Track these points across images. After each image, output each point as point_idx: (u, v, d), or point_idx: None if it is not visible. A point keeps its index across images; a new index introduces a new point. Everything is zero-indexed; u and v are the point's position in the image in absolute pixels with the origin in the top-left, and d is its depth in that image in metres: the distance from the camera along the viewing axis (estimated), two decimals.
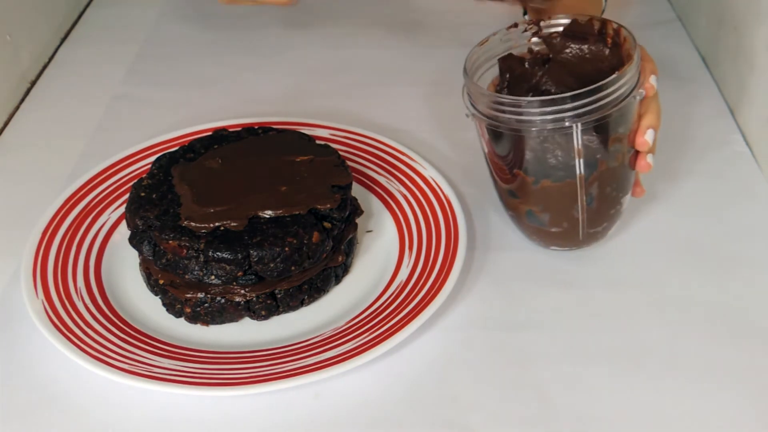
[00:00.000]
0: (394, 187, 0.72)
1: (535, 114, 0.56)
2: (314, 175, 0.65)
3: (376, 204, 0.72)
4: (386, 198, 0.71)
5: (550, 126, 0.56)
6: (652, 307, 0.63)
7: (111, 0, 1.06)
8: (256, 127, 0.71)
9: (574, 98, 0.55)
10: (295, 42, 0.97)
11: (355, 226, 0.67)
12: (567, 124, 0.56)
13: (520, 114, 0.57)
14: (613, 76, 0.56)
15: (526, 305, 0.63)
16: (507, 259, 0.67)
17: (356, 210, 0.67)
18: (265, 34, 0.98)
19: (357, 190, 0.71)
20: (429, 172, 0.72)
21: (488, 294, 0.64)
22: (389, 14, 1.02)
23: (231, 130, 0.71)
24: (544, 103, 0.56)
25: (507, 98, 0.57)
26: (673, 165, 0.68)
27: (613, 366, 0.58)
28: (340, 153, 0.69)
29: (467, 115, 0.61)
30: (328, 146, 0.69)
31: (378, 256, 0.68)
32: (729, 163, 0.76)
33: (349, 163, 0.71)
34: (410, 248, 0.66)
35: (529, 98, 0.55)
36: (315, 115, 0.80)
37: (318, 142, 0.69)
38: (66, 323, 0.59)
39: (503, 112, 0.57)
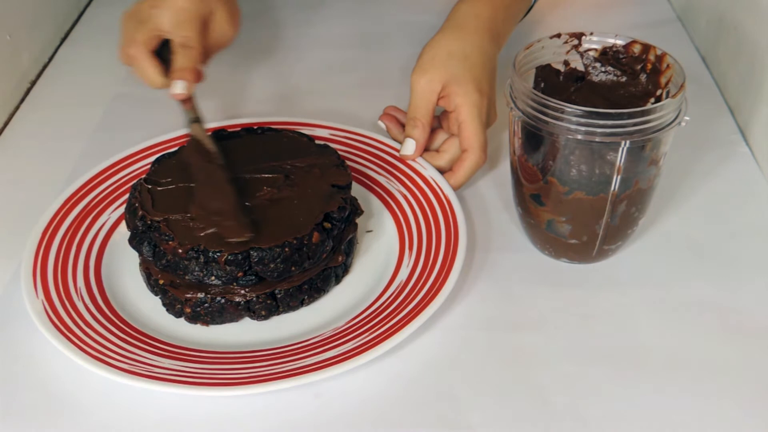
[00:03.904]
0: (394, 187, 0.72)
1: (587, 125, 0.56)
2: (314, 175, 0.65)
3: (376, 204, 0.72)
4: (386, 198, 0.71)
5: (598, 139, 0.57)
6: (652, 307, 0.63)
7: (111, 0, 1.06)
8: (256, 127, 0.71)
9: (629, 116, 0.56)
10: (295, 42, 0.97)
11: (355, 226, 0.67)
12: (618, 140, 0.56)
13: (581, 124, 0.57)
14: (668, 100, 0.57)
15: (526, 305, 0.63)
16: (507, 259, 0.67)
17: (356, 210, 0.67)
18: (265, 35, 0.98)
19: (357, 190, 0.71)
20: (429, 172, 0.72)
21: (488, 294, 0.64)
22: (390, 14, 1.02)
23: (231, 130, 0.71)
24: (599, 116, 0.56)
25: (569, 107, 0.57)
26: (673, 165, 0.68)
27: (613, 366, 0.58)
28: (340, 153, 0.69)
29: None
30: (328, 146, 0.69)
31: (378, 256, 0.68)
32: (729, 163, 0.76)
33: (349, 163, 0.71)
34: (410, 248, 0.66)
35: (588, 108, 0.56)
36: (315, 115, 0.80)
37: (318, 142, 0.69)
38: (66, 323, 0.59)
39: (558, 119, 0.57)
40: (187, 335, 0.61)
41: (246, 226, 0.60)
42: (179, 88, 0.67)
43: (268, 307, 0.62)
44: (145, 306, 0.63)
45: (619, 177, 0.59)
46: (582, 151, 0.58)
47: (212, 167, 0.65)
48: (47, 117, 0.85)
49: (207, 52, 0.72)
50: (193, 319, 0.62)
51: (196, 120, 0.69)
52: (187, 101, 0.69)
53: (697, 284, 0.64)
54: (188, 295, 0.61)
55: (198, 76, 0.69)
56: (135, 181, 0.66)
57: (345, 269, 0.66)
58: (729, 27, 0.84)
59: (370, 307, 0.62)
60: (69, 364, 0.58)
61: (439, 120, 0.74)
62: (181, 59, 0.68)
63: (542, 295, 0.64)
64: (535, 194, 0.63)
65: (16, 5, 0.88)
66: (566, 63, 0.66)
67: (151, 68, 0.68)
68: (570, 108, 0.56)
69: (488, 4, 0.74)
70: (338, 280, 0.65)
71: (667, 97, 0.62)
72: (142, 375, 0.55)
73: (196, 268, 0.59)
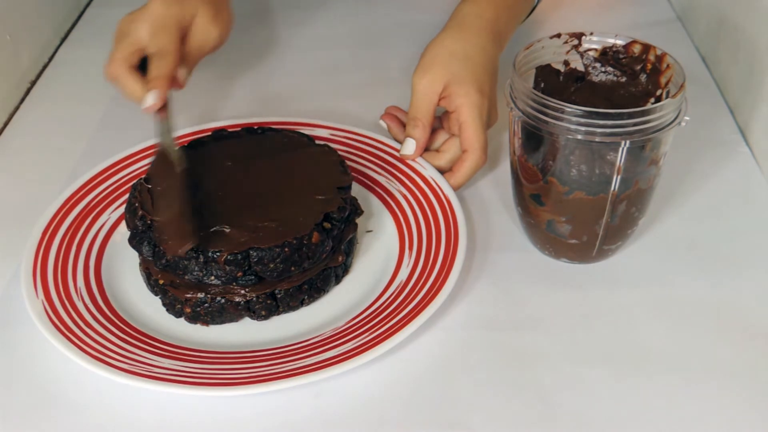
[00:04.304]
0: (394, 187, 0.72)
1: (587, 125, 0.56)
2: (314, 175, 0.65)
3: (376, 204, 0.72)
4: (386, 198, 0.71)
5: (598, 139, 0.57)
6: (652, 307, 0.63)
7: (111, 0, 1.06)
8: (256, 127, 0.71)
9: (629, 116, 0.56)
10: (295, 42, 0.97)
11: (355, 226, 0.67)
12: (618, 140, 0.56)
13: (581, 124, 0.57)
14: (668, 100, 0.57)
15: (526, 305, 0.63)
16: (507, 259, 0.67)
17: (356, 210, 0.67)
18: (265, 35, 0.98)
19: (357, 190, 0.71)
20: (429, 172, 0.72)
21: (488, 294, 0.64)
22: (390, 14, 1.02)
23: (231, 130, 0.71)
24: (599, 116, 0.56)
25: (570, 107, 0.57)
26: (673, 165, 0.68)
27: (613, 366, 0.58)
28: (340, 153, 0.69)
29: None
30: (328, 146, 0.69)
31: (378, 256, 0.68)
32: (729, 163, 0.76)
33: (349, 163, 0.71)
34: (410, 248, 0.66)
35: (588, 108, 0.56)
36: (315, 115, 0.80)
37: (318, 142, 0.70)
38: (66, 323, 0.59)
39: (557, 118, 0.57)
40: (187, 335, 0.61)
41: (185, 237, 0.58)
42: (149, 100, 0.65)
43: (268, 307, 0.62)
44: (145, 306, 0.63)
45: (619, 177, 0.59)
46: (582, 151, 0.58)
47: (173, 179, 0.62)
48: (47, 117, 0.85)
49: (190, 58, 0.70)
50: (193, 319, 0.62)
51: (167, 130, 0.66)
52: (162, 110, 0.66)
53: (697, 284, 0.64)
54: (188, 295, 0.61)
55: (173, 83, 0.67)
56: (135, 181, 0.66)
57: (345, 269, 0.66)
58: (729, 27, 0.84)
59: (370, 307, 0.62)
60: (69, 364, 0.58)
61: (440, 120, 0.74)
62: (154, 68, 0.66)
63: (542, 295, 0.64)
64: (535, 194, 0.63)
65: (16, 5, 0.88)
66: (566, 63, 0.66)
67: (132, 83, 0.66)
68: (570, 108, 0.56)
69: (491, 4, 0.74)
70: (338, 280, 0.65)
71: (667, 97, 0.62)
72: (141, 375, 0.55)
73: (196, 268, 0.59)
